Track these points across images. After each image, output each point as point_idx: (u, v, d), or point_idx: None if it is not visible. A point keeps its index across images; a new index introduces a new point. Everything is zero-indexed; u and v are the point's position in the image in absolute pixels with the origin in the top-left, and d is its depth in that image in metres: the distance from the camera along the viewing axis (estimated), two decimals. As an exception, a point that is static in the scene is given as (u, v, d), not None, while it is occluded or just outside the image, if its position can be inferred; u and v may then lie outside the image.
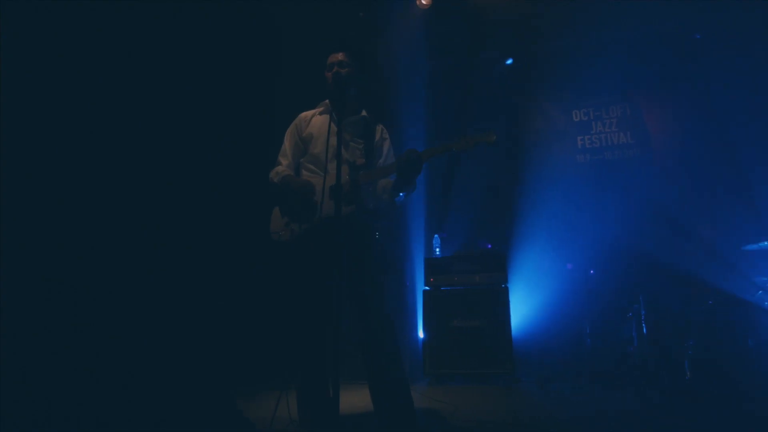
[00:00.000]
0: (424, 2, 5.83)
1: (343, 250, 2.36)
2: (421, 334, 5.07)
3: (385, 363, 2.31)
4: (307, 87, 3.02)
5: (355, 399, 3.47)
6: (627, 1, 5.61)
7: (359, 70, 2.66)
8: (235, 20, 4.72)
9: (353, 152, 2.61)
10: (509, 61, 6.28)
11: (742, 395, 3.39)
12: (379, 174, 2.49)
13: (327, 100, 2.76)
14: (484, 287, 4.63)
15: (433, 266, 4.80)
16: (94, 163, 3.07)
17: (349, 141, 2.64)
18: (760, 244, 4.17)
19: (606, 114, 6.18)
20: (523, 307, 5.15)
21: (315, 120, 2.74)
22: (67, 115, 2.96)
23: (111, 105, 3.25)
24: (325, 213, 2.48)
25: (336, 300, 2.35)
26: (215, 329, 4.02)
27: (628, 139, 6.06)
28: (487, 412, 3.30)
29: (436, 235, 5.14)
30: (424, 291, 4.78)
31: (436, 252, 5.08)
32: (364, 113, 2.74)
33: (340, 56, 2.65)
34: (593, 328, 4.44)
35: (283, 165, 2.71)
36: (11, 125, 2.66)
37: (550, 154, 6.13)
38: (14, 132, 2.66)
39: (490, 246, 4.78)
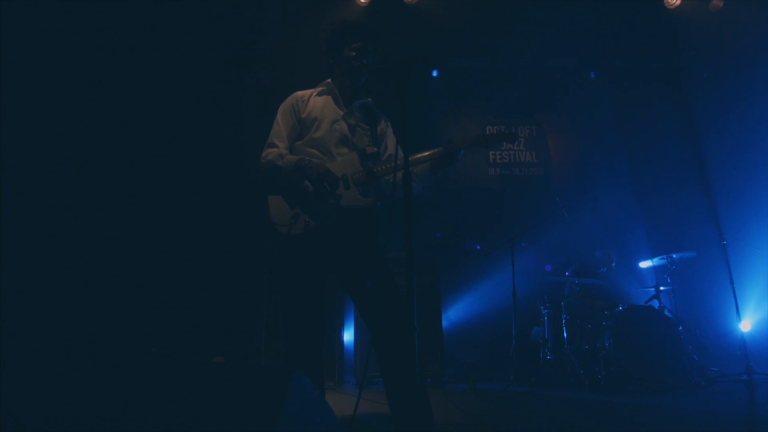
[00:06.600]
0: (362, 0, 5.76)
1: (365, 246, 2.25)
2: (347, 337, 4.96)
3: (405, 362, 2.20)
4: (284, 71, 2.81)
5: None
6: (534, 37, 6.20)
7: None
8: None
9: (361, 138, 2.46)
10: (435, 73, 6.46)
11: (651, 388, 3.89)
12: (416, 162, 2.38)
13: (329, 80, 2.55)
14: (416, 290, 4.65)
15: (365, 267, 4.71)
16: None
17: (355, 126, 2.48)
18: (652, 260, 4.84)
19: (516, 132, 6.66)
20: (453, 310, 5.31)
21: (314, 101, 2.51)
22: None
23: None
24: (345, 204, 2.30)
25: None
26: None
27: (533, 158, 6.64)
28: (440, 413, 3.31)
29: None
30: (356, 292, 4.66)
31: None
32: (369, 99, 2.60)
33: (360, 43, 2.45)
34: (518, 331, 4.73)
35: (280, 147, 2.44)
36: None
37: (466, 165, 6.45)
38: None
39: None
